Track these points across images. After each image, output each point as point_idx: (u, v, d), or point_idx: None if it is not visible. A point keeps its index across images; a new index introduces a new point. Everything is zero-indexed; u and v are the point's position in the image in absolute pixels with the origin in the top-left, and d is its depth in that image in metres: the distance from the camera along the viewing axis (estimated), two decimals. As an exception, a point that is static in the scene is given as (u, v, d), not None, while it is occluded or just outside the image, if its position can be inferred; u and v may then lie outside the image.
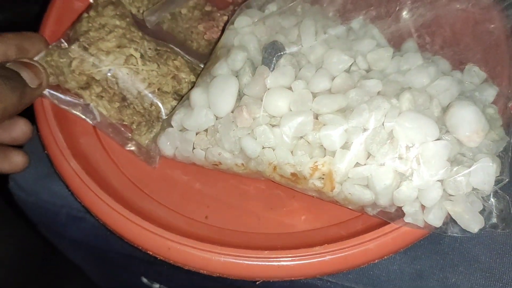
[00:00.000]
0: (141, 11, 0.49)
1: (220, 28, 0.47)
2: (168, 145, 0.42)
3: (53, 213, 0.45)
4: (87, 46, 0.42)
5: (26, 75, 0.39)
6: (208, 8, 0.49)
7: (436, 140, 0.35)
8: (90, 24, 0.43)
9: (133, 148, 0.43)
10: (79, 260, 0.55)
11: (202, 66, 0.47)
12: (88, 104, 0.43)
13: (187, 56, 0.47)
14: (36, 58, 0.42)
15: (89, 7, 0.44)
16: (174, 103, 0.44)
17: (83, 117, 0.43)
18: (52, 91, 0.42)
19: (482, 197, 0.35)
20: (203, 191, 0.43)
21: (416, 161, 0.35)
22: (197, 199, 0.42)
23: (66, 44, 0.43)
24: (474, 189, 0.35)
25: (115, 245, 0.45)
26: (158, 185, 0.43)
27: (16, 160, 0.41)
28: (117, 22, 0.43)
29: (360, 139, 0.35)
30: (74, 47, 0.42)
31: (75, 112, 0.43)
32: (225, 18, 0.48)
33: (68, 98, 0.42)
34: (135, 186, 0.43)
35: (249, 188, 0.43)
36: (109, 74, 0.42)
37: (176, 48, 0.46)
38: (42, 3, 0.75)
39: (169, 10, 0.47)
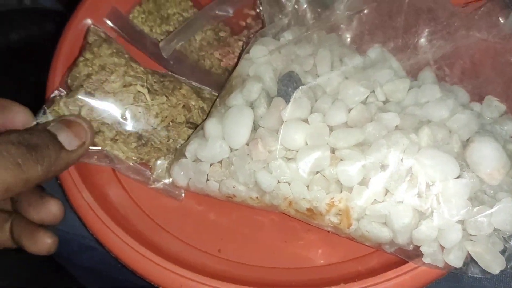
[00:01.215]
0: (153, 30, 0.49)
1: (236, 54, 0.47)
2: (181, 175, 0.41)
3: (65, 241, 0.45)
4: (92, 91, 0.41)
5: (64, 137, 0.36)
6: (223, 34, 0.49)
7: (456, 178, 0.34)
8: (89, 68, 0.42)
9: (156, 185, 0.42)
10: (90, 286, 0.55)
11: (209, 89, 0.47)
12: (103, 150, 0.41)
13: (193, 83, 0.46)
14: (40, 114, 0.40)
15: (83, 49, 0.43)
16: (189, 132, 0.43)
17: (100, 164, 0.41)
18: None
19: (503, 237, 0.34)
20: (217, 222, 0.42)
21: (436, 199, 0.34)
22: (211, 231, 0.42)
23: (65, 92, 0.42)
24: (495, 229, 0.34)
25: (127, 275, 0.44)
26: (171, 216, 0.42)
27: (44, 242, 0.37)
28: (116, 60, 0.42)
29: (378, 175, 0.35)
30: (80, 95, 0.40)
31: (90, 161, 0.41)
32: (240, 43, 0.48)
33: None
34: (148, 217, 0.42)
35: (263, 219, 0.42)
36: (120, 115, 0.41)
37: (177, 76, 0.46)
38: (58, 22, 0.75)
39: (185, 38, 0.47)
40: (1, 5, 0.77)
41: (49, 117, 0.41)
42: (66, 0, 0.99)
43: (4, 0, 0.91)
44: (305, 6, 0.45)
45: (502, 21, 0.39)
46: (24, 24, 0.71)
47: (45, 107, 0.41)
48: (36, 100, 0.52)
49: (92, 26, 0.45)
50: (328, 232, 0.39)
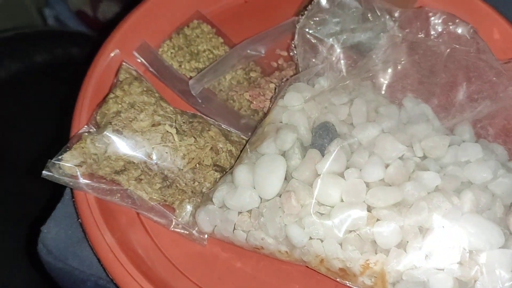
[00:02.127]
0: (182, 66, 0.48)
1: (267, 97, 0.46)
2: (207, 221, 0.40)
3: (81, 281, 0.43)
4: (120, 129, 0.40)
5: None
6: (253, 74, 0.48)
7: (501, 247, 0.32)
8: (119, 105, 0.41)
9: (179, 229, 0.41)
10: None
11: (237, 132, 0.45)
12: (126, 189, 0.40)
13: (222, 125, 0.45)
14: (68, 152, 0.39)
15: (113, 86, 0.43)
16: (216, 175, 0.42)
17: (122, 204, 0.40)
18: (86, 181, 0.40)
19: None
20: (243, 270, 0.41)
21: (479, 269, 0.32)
22: (235, 280, 0.40)
23: (94, 129, 0.41)
24: (541, 304, 0.32)
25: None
26: (194, 262, 0.41)
27: None
28: (146, 99, 0.42)
29: (417, 239, 0.33)
30: (108, 132, 0.39)
31: (113, 200, 0.40)
32: (272, 86, 0.47)
33: (104, 186, 0.40)
34: (170, 262, 0.40)
35: (291, 269, 0.41)
36: (147, 155, 0.40)
37: (206, 118, 0.45)
38: (81, 45, 0.75)
39: (215, 78, 0.46)
40: (27, 27, 0.77)
41: (70, 155, 0.39)
42: (90, 21, 1.00)
43: (29, 20, 0.91)
44: (339, 51, 0.44)
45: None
46: (48, 46, 0.71)
47: (69, 145, 0.40)
48: (58, 128, 0.51)
49: (124, 63, 0.44)
50: None
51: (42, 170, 0.39)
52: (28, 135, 0.65)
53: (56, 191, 0.46)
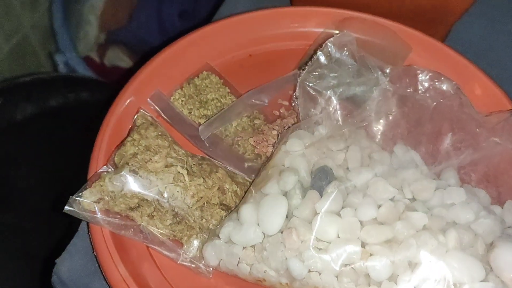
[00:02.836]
0: (192, 113, 0.52)
1: (269, 142, 0.50)
2: (213, 255, 0.43)
3: (92, 312, 0.46)
4: (136, 169, 0.43)
5: None
6: (257, 121, 0.52)
7: (482, 281, 0.36)
8: (136, 148, 0.45)
9: (186, 263, 0.44)
10: None
11: (241, 174, 0.49)
12: (139, 225, 0.43)
13: (228, 168, 0.49)
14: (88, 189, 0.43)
15: (131, 130, 0.47)
16: (222, 213, 0.45)
17: (135, 238, 0.43)
18: (104, 217, 0.43)
19: None
20: (245, 303, 0.43)
21: (463, 302, 0.35)
22: (238, 312, 0.43)
23: (112, 169, 0.45)
24: (519, 335, 0.35)
25: None
26: (200, 295, 0.43)
27: None
28: (160, 142, 0.46)
29: (406, 273, 0.36)
30: (125, 172, 0.43)
31: (126, 234, 0.43)
32: (274, 132, 0.51)
33: (119, 222, 0.43)
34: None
35: (290, 302, 0.43)
36: (160, 193, 0.43)
37: (214, 160, 0.49)
38: (91, 90, 0.80)
39: (223, 124, 0.50)
40: (42, 73, 0.82)
41: (90, 193, 0.43)
42: (97, 67, 1.05)
43: (38, 66, 0.96)
44: (336, 102, 0.48)
45: (524, 133, 0.42)
46: (62, 91, 0.75)
47: (89, 183, 0.44)
48: (69, 165, 0.54)
49: (141, 110, 0.48)
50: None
51: (64, 206, 0.42)
52: (40, 173, 0.69)
53: (70, 228, 0.49)
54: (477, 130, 0.40)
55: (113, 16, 1.11)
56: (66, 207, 0.42)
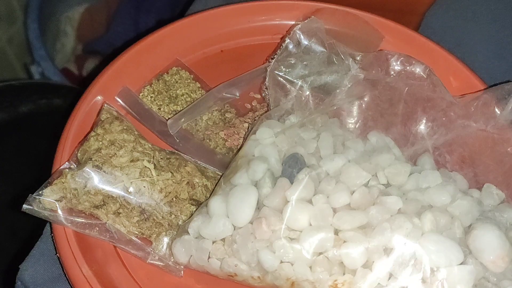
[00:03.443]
0: (162, 109, 0.50)
1: (241, 135, 0.48)
2: (183, 252, 0.41)
3: (57, 318, 0.44)
4: (100, 164, 0.42)
5: None
6: (228, 115, 0.51)
7: (460, 264, 0.34)
8: (100, 142, 0.43)
9: (155, 262, 0.42)
10: None
11: (212, 168, 0.47)
12: (104, 223, 0.41)
13: (198, 162, 0.47)
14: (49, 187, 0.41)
15: (95, 125, 0.45)
16: (192, 208, 0.44)
17: (101, 237, 0.41)
18: (66, 216, 0.41)
19: (509, 327, 0.34)
20: (216, 302, 0.41)
21: (441, 285, 0.34)
22: (210, 311, 0.41)
23: (75, 165, 0.43)
24: (501, 319, 0.33)
25: None
26: (169, 294, 0.41)
27: None
28: (126, 136, 0.44)
29: (382, 259, 0.35)
30: (88, 167, 0.41)
31: (91, 233, 0.41)
32: (245, 125, 0.50)
33: (83, 220, 0.41)
34: (146, 295, 0.41)
35: (264, 300, 0.41)
36: (125, 189, 0.42)
37: (183, 155, 0.47)
38: (65, 97, 0.78)
39: (192, 118, 0.48)
40: (13, 79, 0.80)
41: (51, 191, 0.41)
42: (74, 76, 1.04)
43: (10, 69, 0.95)
44: (307, 91, 0.47)
45: (498, 112, 0.41)
46: (33, 98, 0.74)
47: (50, 180, 0.42)
48: (39, 172, 0.52)
49: (105, 105, 0.47)
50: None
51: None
52: (10, 180, 0.66)
53: (36, 231, 0.47)
54: (449, 109, 0.39)
55: (90, 27, 1.10)
56: (25, 206, 0.40)
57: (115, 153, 0.43)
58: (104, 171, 0.42)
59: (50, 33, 1.06)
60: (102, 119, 0.45)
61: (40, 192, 0.41)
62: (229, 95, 0.51)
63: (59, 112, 0.75)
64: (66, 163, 0.43)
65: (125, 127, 0.45)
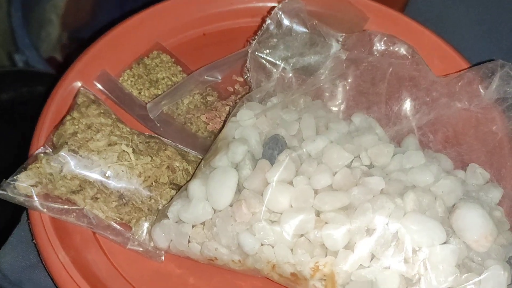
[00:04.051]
0: (142, 93, 0.49)
1: (223, 118, 0.47)
2: (162, 237, 0.40)
3: (36, 306, 0.43)
4: (76, 149, 0.41)
5: None
6: (210, 98, 0.50)
7: (443, 243, 0.33)
8: (76, 126, 0.42)
9: (135, 247, 0.41)
10: None
11: (194, 152, 0.46)
12: (82, 209, 0.40)
13: (179, 146, 0.46)
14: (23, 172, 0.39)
15: (71, 108, 0.44)
16: (172, 193, 0.43)
17: (78, 223, 0.40)
18: (42, 202, 0.40)
19: (493, 306, 0.33)
20: (197, 287, 0.41)
21: (423, 265, 0.33)
22: (192, 296, 0.40)
23: (50, 149, 0.42)
24: (484, 298, 0.33)
25: None
26: (150, 280, 0.41)
27: None
28: (103, 120, 0.43)
29: (364, 240, 0.34)
30: (63, 152, 0.40)
31: (68, 219, 0.40)
32: (227, 108, 0.49)
33: (59, 206, 0.40)
34: (125, 281, 0.40)
35: (245, 284, 0.41)
36: (103, 174, 0.41)
37: (163, 138, 0.46)
38: (46, 84, 0.76)
39: (173, 101, 0.47)
40: (-6, 67, 0.78)
41: (26, 176, 0.40)
42: (58, 64, 1.02)
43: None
44: (289, 73, 0.46)
45: (482, 91, 0.40)
46: (14, 85, 0.72)
47: (24, 165, 0.41)
48: (19, 161, 0.51)
49: (82, 88, 0.46)
50: (313, 299, 0.38)
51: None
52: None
53: (14, 219, 0.46)
54: (432, 87, 0.38)
55: (75, 15, 1.08)
56: None
57: (92, 137, 0.42)
58: (81, 156, 0.41)
59: (34, 21, 1.04)
60: (79, 103, 0.44)
61: (14, 177, 0.40)
62: (211, 78, 0.50)
63: (41, 100, 0.73)
64: (41, 147, 0.42)
65: (102, 111, 0.44)
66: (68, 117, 0.42)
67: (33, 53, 0.99)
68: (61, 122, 0.43)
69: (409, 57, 0.41)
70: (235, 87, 0.51)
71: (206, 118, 0.48)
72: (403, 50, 0.42)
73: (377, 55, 0.43)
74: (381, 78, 0.40)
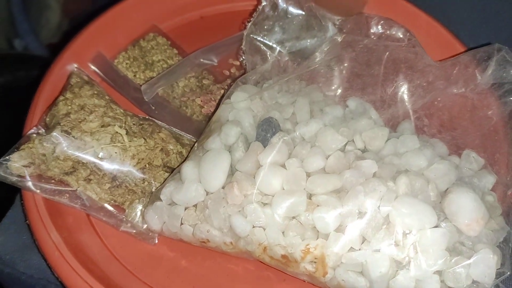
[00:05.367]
0: (137, 76, 0.49)
1: (218, 102, 0.47)
2: (155, 219, 0.40)
3: (29, 286, 0.43)
4: (69, 129, 0.40)
5: None
6: (206, 82, 0.50)
7: (434, 227, 0.33)
8: (68, 107, 0.42)
9: (128, 229, 0.41)
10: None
11: (189, 136, 0.46)
12: (75, 190, 0.40)
13: (173, 129, 0.46)
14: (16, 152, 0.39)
15: (64, 89, 0.44)
16: (165, 175, 0.42)
17: (71, 204, 0.40)
18: (35, 182, 0.40)
19: (482, 290, 0.33)
20: (189, 269, 0.41)
21: (414, 249, 0.33)
22: (183, 278, 0.40)
23: (43, 130, 0.42)
24: (474, 281, 0.33)
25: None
26: (142, 262, 0.41)
27: None
28: (96, 101, 0.42)
29: (355, 222, 0.34)
30: (56, 132, 0.40)
31: (61, 200, 0.40)
32: (223, 91, 0.48)
33: (52, 187, 0.40)
34: (119, 262, 0.40)
35: (237, 268, 0.41)
36: (96, 155, 0.40)
37: (157, 121, 0.46)
38: (41, 67, 0.76)
39: (168, 83, 0.47)
40: (-9, 50, 0.78)
41: (18, 156, 0.40)
42: (58, 50, 1.01)
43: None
44: (285, 55, 0.46)
45: (478, 76, 0.40)
46: (11, 69, 0.72)
47: (17, 145, 0.40)
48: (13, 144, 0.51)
49: (75, 68, 0.45)
50: (304, 282, 0.38)
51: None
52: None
53: (7, 201, 0.46)
54: (428, 70, 0.38)
55: (75, 1, 1.07)
56: None
57: (85, 118, 0.41)
58: (73, 136, 0.41)
59: (34, 7, 1.04)
60: (72, 83, 0.44)
61: (7, 157, 0.40)
62: (206, 61, 0.50)
63: (37, 85, 0.73)
64: (34, 128, 0.42)
65: (95, 92, 0.43)
66: (61, 98, 0.42)
67: (33, 39, 0.98)
68: (54, 102, 0.43)
69: (406, 40, 0.40)
70: (231, 71, 0.51)
71: (201, 101, 0.47)
72: (400, 34, 0.42)
73: (374, 38, 0.42)
74: (376, 60, 0.39)
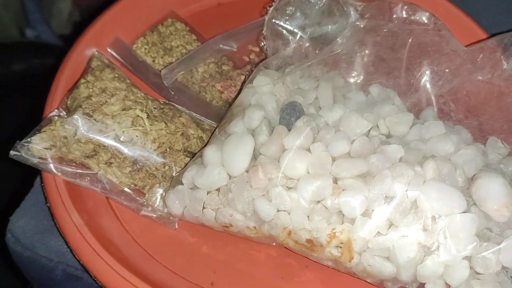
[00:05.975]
0: (156, 61, 0.49)
1: (238, 87, 0.47)
2: (176, 203, 0.40)
3: (49, 269, 0.42)
4: (91, 112, 0.40)
5: None
6: (225, 67, 0.49)
7: (463, 212, 0.33)
8: (90, 90, 0.41)
9: (149, 213, 0.40)
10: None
11: (209, 121, 0.46)
12: (96, 173, 0.40)
13: (193, 114, 0.46)
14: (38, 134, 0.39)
15: (85, 72, 0.43)
16: (186, 160, 0.42)
17: (92, 188, 0.40)
18: (56, 165, 0.39)
19: (511, 276, 0.33)
20: (211, 255, 0.40)
21: (443, 234, 0.32)
22: (204, 263, 0.40)
23: (64, 113, 0.41)
24: (503, 267, 0.32)
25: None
26: (163, 246, 0.40)
27: None
28: (118, 85, 0.42)
29: (382, 207, 0.33)
30: (77, 114, 0.40)
31: (82, 183, 0.40)
32: (243, 77, 0.48)
33: (73, 170, 0.40)
34: (139, 246, 0.40)
35: (259, 254, 0.40)
36: (117, 138, 0.40)
37: (177, 106, 0.45)
38: (58, 56, 0.76)
39: (187, 68, 0.46)
40: (5, 38, 0.77)
41: (40, 138, 0.39)
42: (70, 41, 1.01)
43: (5, 33, 0.92)
44: (308, 44, 0.45)
45: (504, 62, 0.39)
46: (25, 57, 0.71)
47: (39, 128, 0.40)
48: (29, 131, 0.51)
49: (96, 52, 0.45)
50: (327, 268, 0.37)
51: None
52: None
53: (26, 184, 0.46)
54: (454, 54, 0.37)
55: (87, -9, 1.07)
56: (12, 152, 0.39)
57: (106, 101, 0.41)
58: (95, 119, 0.40)
59: (46, -3, 1.03)
60: (93, 67, 0.43)
61: (28, 139, 0.39)
62: (226, 47, 0.49)
63: (52, 72, 0.73)
64: (55, 110, 0.42)
65: (116, 75, 0.43)
66: (83, 80, 0.42)
67: (45, 28, 0.98)
68: (75, 85, 0.42)
69: (432, 24, 0.40)
70: (251, 57, 0.51)
71: (221, 87, 0.47)
72: (424, 18, 0.41)
73: (398, 23, 0.42)
74: (401, 44, 0.39)
